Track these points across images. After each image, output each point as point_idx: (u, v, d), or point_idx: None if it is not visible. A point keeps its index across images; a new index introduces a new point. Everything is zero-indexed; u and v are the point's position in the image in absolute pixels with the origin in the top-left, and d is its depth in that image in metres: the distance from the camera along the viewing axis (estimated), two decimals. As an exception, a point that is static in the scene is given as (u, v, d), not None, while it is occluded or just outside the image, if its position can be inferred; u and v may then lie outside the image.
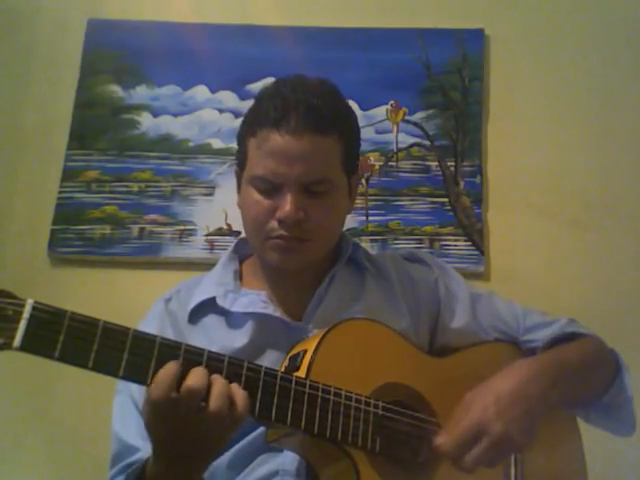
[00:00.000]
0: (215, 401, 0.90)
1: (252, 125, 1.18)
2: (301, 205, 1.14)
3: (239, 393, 0.92)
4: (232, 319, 1.21)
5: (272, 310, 1.19)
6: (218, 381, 0.91)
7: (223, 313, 1.21)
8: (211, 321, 1.22)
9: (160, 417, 0.91)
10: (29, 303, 0.85)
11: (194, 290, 1.26)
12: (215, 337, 1.18)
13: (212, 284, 1.25)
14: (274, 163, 1.14)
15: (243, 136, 1.21)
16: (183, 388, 0.88)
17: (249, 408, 0.93)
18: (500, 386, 1.09)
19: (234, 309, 1.20)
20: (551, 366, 1.15)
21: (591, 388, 1.23)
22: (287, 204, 1.13)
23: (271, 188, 1.15)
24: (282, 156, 1.13)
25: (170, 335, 1.18)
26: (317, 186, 1.16)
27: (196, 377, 0.90)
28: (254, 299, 1.21)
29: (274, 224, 1.15)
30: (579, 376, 1.19)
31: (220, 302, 1.21)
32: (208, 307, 1.22)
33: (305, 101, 1.14)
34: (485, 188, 1.99)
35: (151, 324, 1.22)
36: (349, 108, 1.26)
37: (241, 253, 1.33)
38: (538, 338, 1.27)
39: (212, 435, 0.93)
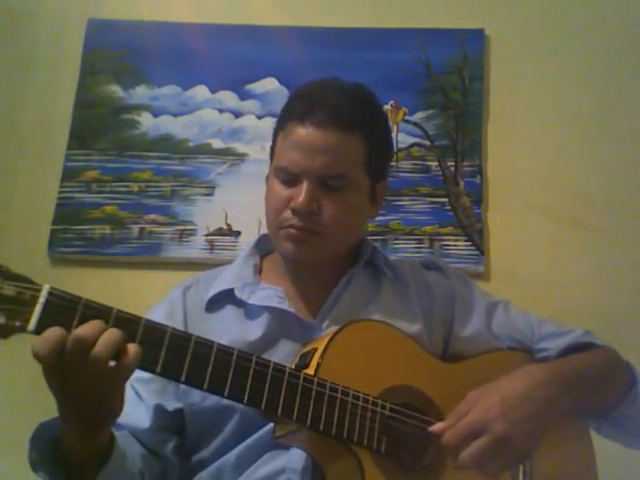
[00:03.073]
0: (99, 346, 0.87)
1: (282, 120, 1.24)
2: (315, 197, 1.17)
3: (131, 345, 0.90)
4: (248, 311, 1.23)
5: (287, 306, 1.21)
6: (110, 330, 0.88)
7: (240, 305, 1.24)
8: (228, 311, 1.24)
9: (50, 370, 0.88)
10: (45, 288, 0.87)
11: (214, 281, 1.29)
12: (231, 327, 1.20)
13: (232, 276, 1.28)
14: (296, 154, 1.18)
15: (275, 131, 1.27)
16: (71, 336, 0.86)
17: (139, 359, 0.90)
18: (507, 387, 1.08)
19: (251, 301, 1.22)
20: (562, 373, 1.14)
21: (603, 399, 1.21)
22: (302, 194, 1.16)
23: (291, 179, 1.19)
24: (304, 148, 1.17)
25: (178, 321, 1.22)
26: (334, 181, 1.19)
27: (87, 326, 0.87)
28: (271, 293, 1.23)
29: (288, 213, 1.18)
30: (591, 386, 1.17)
31: (238, 294, 1.24)
32: (226, 298, 1.25)
33: (331, 99, 1.19)
34: (485, 188, 1.99)
35: (162, 307, 1.27)
36: (380, 114, 1.29)
37: (263, 249, 1.35)
38: (552, 347, 1.26)
39: (99, 385, 0.90)
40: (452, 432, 1.06)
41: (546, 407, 1.08)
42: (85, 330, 0.87)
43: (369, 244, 1.34)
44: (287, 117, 1.23)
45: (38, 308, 0.86)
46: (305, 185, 1.17)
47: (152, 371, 0.92)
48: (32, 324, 0.86)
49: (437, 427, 1.08)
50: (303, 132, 1.18)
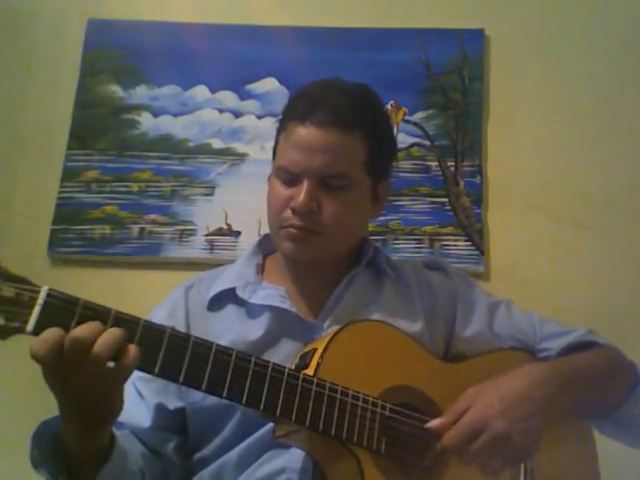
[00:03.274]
0: (99, 345, 0.87)
1: (284, 120, 1.25)
2: (315, 196, 1.18)
3: (130, 346, 0.90)
4: (250, 310, 1.23)
5: (289, 305, 1.21)
6: (110, 330, 0.89)
7: (242, 304, 1.24)
8: (230, 311, 1.24)
9: (49, 371, 0.89)
10: (44, 290, 0.87)
11: (216, 280, 1.29)
12: (232, 326, 1.21)
13: (234, 275, 1.28)
14: (296, 154, 1.18)
15: (277, 131, 1.27)
16: (68, 337, 0.86)
17: (137, 360, 0.90)
18: (506, 386, 1.08)
19: (252, 300, 1.23)
20: (561, 372, 1.14)
21: (604, 398, 1.20)
22: (301, 193, 1.17)
23: (292, 179, 1.20)
24: (304, 147, 1.18)
25: (181, 320, 1.23)
26: (334, 180, 1.19)
27: (85, 327, 0.87)
28: (272, 293, 1.23)
29: (289, 213, 1.19)
30: (591, 385, 1.17)
31: (240, 293, 1.24)
32: (228, 297, 1.25)
33: (332, 98, 1.19)
34: (485, 188, 1.99)
35: (164, 307, 1.27)
36: (382, 114, 1.30)
37: (265, 248, 1.36)
38: (554, 347, 1.26)
39: (99, 385, 0.90)
40: (452, 433, 1.06)
41: (545, 406, 1.08)
42: (82, 331, 0.87)
43: (371, 244, 1.34)
44: (288, 117, 1.23)
45: (37, 309, 0.86)
46: (305, 185, 1.18)
47: (150, 372, 0.93)
48: (30, 325, 0.86)
49: (434, 423, 1.08)
50: (304, 132, 1.18)
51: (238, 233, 1.97)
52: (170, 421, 1.20)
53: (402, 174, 2.00)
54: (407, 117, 2.04)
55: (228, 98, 2.08)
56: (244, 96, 2.07)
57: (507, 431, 1.03)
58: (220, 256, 1.93)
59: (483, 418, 1.04)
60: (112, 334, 0.88)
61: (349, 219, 1.23)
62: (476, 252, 1.93)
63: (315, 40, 2.08)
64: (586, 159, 2.00)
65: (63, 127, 2.07)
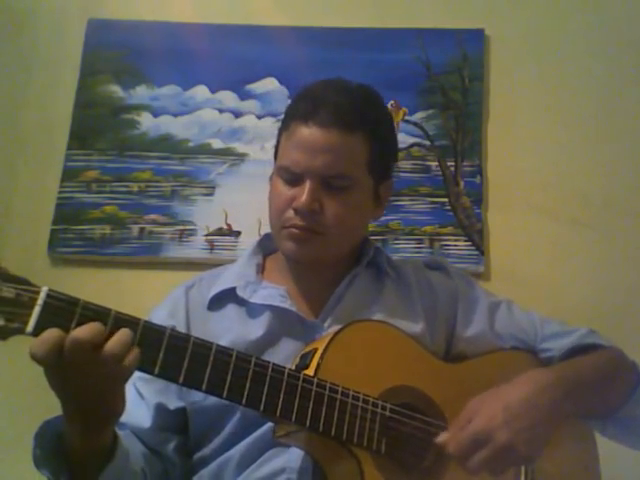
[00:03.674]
0: (113, 344, 0.87)
1: (286, 120, 1.24)
2: (318, 197, 1.18)
3: (135, 348, 0.90)
4: (250, 310, 1.23)
5: (289, 305, 1.21)
6: (122, 330, 0.89)
7: (242, 303, 1.24)
8: (230, 310, 1.24)
9: (49, 371, 0.89)
10: (44, 290, 0.87)
11: (216, 279, 1.29)
12: (232, 326, 1.21)
13: (234, 275, 1.28)
14: (299, 154, 1.18)
15: (279, 131, 1.27)
16: (68, 337, 0.86)
17: (137, 361, 0.90)
18: (510, 394, 1.08)
19: (252, 300, 1.23)
20: (565, 377, 1.14)
21: (604, 401, 1.20)
22: (304, 194, 1.17)
23: (294, 179, 1.20)
24: (307, 147, 1.18)
25: (181, 319, 1.23)
26: (336, 181, 1.19)
27: (85, 328, 0.87)
28: (273, 292, 1.23)
29: (291, 213, 1.19)
30: (595, 389, 1.17)
31: (240, 292, 1.24)
32: (228, 297, 1.25)
33: (334, 99, 1.19)
34: (485, 188, 1.99)
35: (165, 307, 1.27)
36: (384, 115, 1.30)
37: (266, 248, 1.36)
38: (555, 347, 1.26)
39: (100, 385, 0.90)
40: (455, 444, 1.05)
41: (550, 412, 1.08)
42: (82, 331, 0.87)
43: (372, 244, 1.34)
44: (290, 117, 1.23)
45: (36, 310, 0.86)
46: (307, 185, 1.17)
47: (150, 372, 0.93)
48: (30, 326, 0.86)
49: (441, 439, 1.08)
50: (306, 132, 1.18)
51: (238, 233, 1.97)
52: (170, 421, 1.21)
53: (402, 174, 2.00)
54: (407, 117, 2.04)
55: (228, 98, 2.08)
56: (244, 96, 2.07)
57: (511, 442, 1.02)
58: (220, 256, 1.93)
59: (487, 429, 1.04)
60: (125, 334, 0.89)
61: (351, 219, 1.23)
62: (476, 252, 1.93)
63: (315, 40, 2.08)
64: (586, 159, 2.00)
65: (63, 127, 2.07)
